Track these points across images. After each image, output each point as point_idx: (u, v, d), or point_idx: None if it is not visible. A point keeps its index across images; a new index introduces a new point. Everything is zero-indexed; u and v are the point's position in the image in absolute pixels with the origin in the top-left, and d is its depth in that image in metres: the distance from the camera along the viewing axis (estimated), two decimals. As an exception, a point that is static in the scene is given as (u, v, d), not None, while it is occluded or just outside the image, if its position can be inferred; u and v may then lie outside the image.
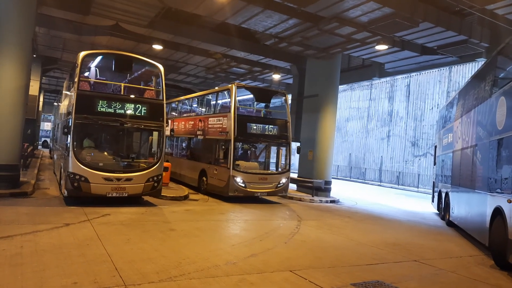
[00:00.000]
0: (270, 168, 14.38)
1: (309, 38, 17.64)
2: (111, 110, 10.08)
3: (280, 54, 20.62)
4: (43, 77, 29.82)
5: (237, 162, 12.53)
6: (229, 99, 13.30)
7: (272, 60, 21.21)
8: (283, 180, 13.12)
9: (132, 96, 10.88)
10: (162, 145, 10.65)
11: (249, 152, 14.20)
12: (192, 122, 16.06)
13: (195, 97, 18.04)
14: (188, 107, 18.47)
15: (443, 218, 12.50)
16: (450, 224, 11.35)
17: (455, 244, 8.89)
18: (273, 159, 14.34)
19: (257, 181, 12.59)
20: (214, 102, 15.08)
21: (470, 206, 9.14)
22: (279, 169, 13.84)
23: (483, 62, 13.20)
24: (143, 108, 10.47)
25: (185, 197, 12.47)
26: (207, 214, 10.33)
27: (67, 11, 15.57)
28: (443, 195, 12.58)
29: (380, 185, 28.57)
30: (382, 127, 31.49)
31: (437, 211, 14.10)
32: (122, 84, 11.35)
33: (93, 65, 11.92)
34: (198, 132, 15.02)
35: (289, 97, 14.39)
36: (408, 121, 28.98)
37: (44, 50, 22.96)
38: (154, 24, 17.53)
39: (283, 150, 13.74)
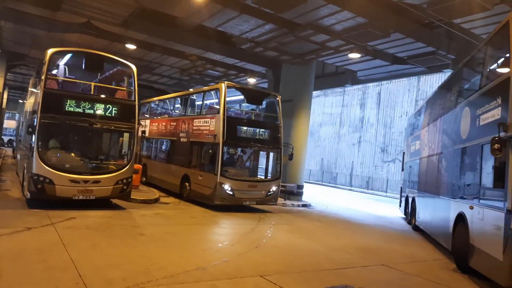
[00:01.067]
0: (260, 174, 13.64)
1: (284, 44, 17.81)
2: (80, 110, 9.75)
3: (256, 58, 20.69)
4: (8, 73, 28.49)
5: (225, 168, 11.58)
6: (217, 100, 12.34)
7: (247, 64, 21.25)
8: (274, 188, 12.28)
9: (103, 96, 10.57)
10: (133, 147, 10.41)
11: (238, 157, 13.38)
12: (175, 123, 14.98)
13: (178, 96, 16.58)
14: (170, 107, 16.99)
15: (409, 222, 12.88)
16: (416, 228, 11.71)
17: (421, 248, 9.17)
18: (263, 165, 13.48)
19: (246, 188, 11.70)
20: (200, 102, 13.95)
21: (435, 212, 9.47)
22: (270, 176, 12.98)
23: (449, 73, 13.76)
24: (113, 108, 10.20)
25: (156, 200, 12.23)
26: (178, 217, 10.16)
27: (36, 6, 14.98)
28: (410, 200, 12.97)
29: (350, 190, 29.15)
30: (354, 133, 32.20)
31: (404, 216, 14.53)
32: (92, 84, 11.01)
33: (62, 62, 11.51)
34: (181, 134, 13.96)
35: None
36: (378, 127, 29.79)
37: (10, 45, 21.98)
38: (128, 23, 17.18)
39: (274, 156, 12.93)
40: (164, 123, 16.09)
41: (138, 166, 13.56)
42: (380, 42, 17.01)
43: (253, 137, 12.10)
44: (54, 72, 11.15)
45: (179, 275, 5.22)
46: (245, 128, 11.99)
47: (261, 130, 12.38)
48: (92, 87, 10.85)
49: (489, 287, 5.98)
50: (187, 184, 12.87)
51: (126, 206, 10.59)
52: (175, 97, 16.61)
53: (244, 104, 14.90)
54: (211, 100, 13.73)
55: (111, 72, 12.10)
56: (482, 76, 7.20)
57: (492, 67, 6.98)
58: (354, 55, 18.29)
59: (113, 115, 10.18)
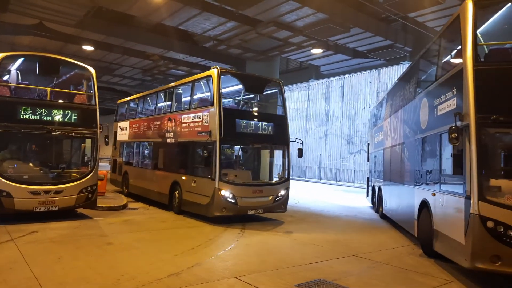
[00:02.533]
0: (265, 176, 11.66)
1: (247, 41, 17.79)
2: (36, 117, 9.27)
3: (220, 56, 20.56)
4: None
5: (224, 171, 9.81)
6: (209, 89, 10.55)
7: (212, 62, 21.11)
8: (282, 192, 10.45)
9: (60, 101, 10.11)
10: (96, 153, 10.03)
11: (238, 157, 11.64)
12: (159, 122, 12.82)
13: (161, 91, 13.98)
14: (153, 105, 14.46)
15: (377, 211, 13.30)
16: (384, 217, 12.11)
17: (389, 236, 9.49)
18: (267, 166, 11.69)
19: (251, 194, 9.89)
20: (188, 95, 11.83)
21: (400, 200, 9.83)
22: (277, 178, 11.02)
23: (407, 65, 14.29)
24: (73, 114, 9.77)
25: (124, 207, 11.87)
26: (147, 223, 9.91)
27: (-20, 7, 14.11)
28: (376, 189, 13.39)
29: (320, 182, 29.71)
30: (320, 126, 32.80)
31: (371, 205, 14.99)
32: (48, 89, 10.49)
33: (13, 68, 10.85)
34: (168, 135, 12.00)
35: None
36: (343, 120, 30.51)
37: (-46, 50, 20.56)
38: (83, 23, 16.54)
39: (281, 154, 11.01)
40: (146, 124, 13.98)
41: (103, 173, 13.09)
42: (340, 37, 17.39)
43: (255, 132, 10.26)
44: (6, 78, 10.53)
45: (151, 284, 5.08)
46: (245, 122, 10.10)
47: (264, 123, 10.47)
48: (48, 93, 10.34)
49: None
50: (177, 193, 11.08)
51: (92, 215, 10.20)
52: (157, 92, 14.14)
53: (242, 94, 12.28)
54: (202, 91, 11.73)
55: (68, 76, 11.57)
56: (437, 67, 7.50)
57: (446, 59, 7.28)
58: (317, 51, 18.57)
59: (72, 120, 9.77)
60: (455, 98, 6.01)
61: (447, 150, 6.38)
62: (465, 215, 5.46)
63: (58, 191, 9.10)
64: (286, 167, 10.84)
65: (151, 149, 13.66)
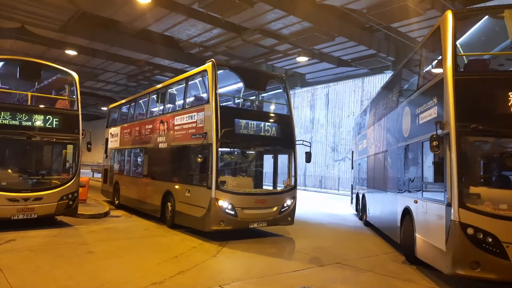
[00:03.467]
0: (268, 184, 10.57)
1: (233, 48, 17.87)
2: (16, 123, 9.07)
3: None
4: None
5: (221, 178, 8.81)
6: (204, 86, 9.63)
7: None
8: (288, 202, 9.34)
9: (42, 106, 9.90)
10: (78, 159, 9.84)
11: (238, 162, 10.49)
12: (150, 126, 11.80)
13: (152, 92, 12.68)
14: (144, 108, 13.46)
15: (361, 218, 13.41)
16: (367, 224, 12.21)
17: (373, 243, 9.56)
18: (271, 172, 10.53)
19: (253, 205, 8.73)
20: (182, 93, 10.65)
21: (383, 207, 9.94)
22: (282, 186, 9.80)
23: (390, 75, 14.58)
24: (54, 119, 9.59)
25: (106, 214, 11.64)
26: (130, 231, 9.74)
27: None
28: (360, 197, 13.52)
29: (305, 190, 29.82)
30: (305, 133, 33.00)
31: (355, 212, 15.11)
32: (29, 94, 10.28)
33: (-7, 72, 10.61)
34: (160, 139, 10.96)
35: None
36: (328, 128, 30.80)
37: None
38: (67, 28, 16.34)
39: (286, 158, 9.91)
40: (137, 129, 12.92)
41: (85, 179, 12.84)
42: (325, 46, 17.62)
43: (257, 133, 9.15)
44: (-16, 82, 10.28)
45: (133, 293, 4.98)
46: (245, 121, 8.97)
47: (267, 124, 9.37)
48: (29, 97, 10.14)
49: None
50: (169, 204, 10.01)
51: (73, 223, 9.97)
52: (148, 94, 13.00)
53: (242, 91, 11.20)
54: (197, 91, 10.73)
55: (50, 80, 11.38)
56: (419, 77, 7.67)
57: (427, 69, 7.46)
58: (302, 59, 18.76)
59: (54, 126, 9.58)
60: (436, 107, 6.14)
61: (429, 158, 6.50)
62: (446, 222, 5.55)
63: (38, 198, 8.88)
64: (293, 173, 9.70)
65: (143, 156, 12.52)
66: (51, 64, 10.71)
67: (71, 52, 19.07)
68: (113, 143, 15.23)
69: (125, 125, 14.34)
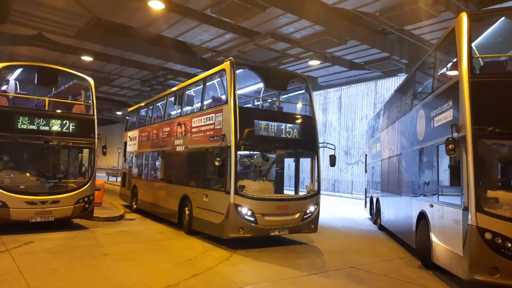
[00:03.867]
0: (290, 189, 10.30)
1: (245, 53, 17.96)
2: (34, 127, 9.30)
3: (218, 68, 20.72)
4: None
5: (241, 183, 8.45)
6: (223, 86, 9.33)
7: (209, 73, 21.26)
8: (311, 208, 8.86)
9: (58, 111, 10.12)
10: (94, 163, 10.01)
11: (258, 166, 10.20)
12: (168, 129, 11.55)
13: (170, 94, 12.53)
14: (161, 110, 13.21)
15: (375, 222, 13.27)
16: (382, 228, 12.07)
17: (387, 247, 9.45)
18: (293, 176, 10.22)
19: (274, 211, 8.29)
20: (199, 95, 10.28)
21: (398, 211, 9.81)
22: (305, 191, 9.33)
23: (404, 77, 14.43)
24: (71, 124, 9.80)
25: (121, 217, 11.79)
26: (144, 234, 9.84)
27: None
28: (374, 200, 13.38)
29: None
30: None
31: (369, 216, 14.95)
32: (47, 99, 10.53)
33: (12, 78, 10.89)
34: (177, 142, 10.68)
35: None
36: (341, 131, 30.60)
37: (-47, 60, 20.66)
38: (82, 34, 16.68)
39: (309, 162, 9.54)
40: (155, 131, 12.69)
41: (100, 183, 13.04)
42: (337, 49, 17.57)
43: (278, 136, 8.72)
44: (4, 88, 10.56)
45: (148, 296, 5.03)
46: (265, 123, 8.55)
47: (288, 125, 8.90)
48: (47, 102, 10.39)
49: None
50: (187, 209, 9.71)
51: (89, 226, 10.13)
52: (166, 96, 12.75)
53: (262, 91, 10.81)
54: (215, 92, 10.46)
55: (66, 86, 11.63)
56: (434, 79, 7.59)
57: (442, 71, 7.37)
58: (314, 62, 18.72)
59: (70, 130, 9.79)
60: (451, 110, 6.06)
61: (444, 162, 6.41)
62: (463, 227, 5.46)
63: (55, 201, 9.05)
64: (316, 178, 9.27)
65: (160, 160, 12.26)
66: (67, 70, 10.95)
67: (87, 58, 19.45)
68: (131, 147, 15.15)
69: (143, 128, 14.19)
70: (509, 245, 5.08)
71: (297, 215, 8.58)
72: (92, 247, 7.84)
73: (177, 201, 10.13)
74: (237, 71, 8.56)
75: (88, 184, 9.69)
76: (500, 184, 6.08)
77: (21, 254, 6.97)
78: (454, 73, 6.14)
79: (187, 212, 9.71)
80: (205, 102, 9.89)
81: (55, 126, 9.59)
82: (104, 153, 10.55)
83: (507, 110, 5.47)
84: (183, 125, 10.51)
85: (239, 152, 8.24)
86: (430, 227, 6.89)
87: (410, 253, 8.55)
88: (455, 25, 6.15)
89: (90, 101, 10.50)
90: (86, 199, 9.56)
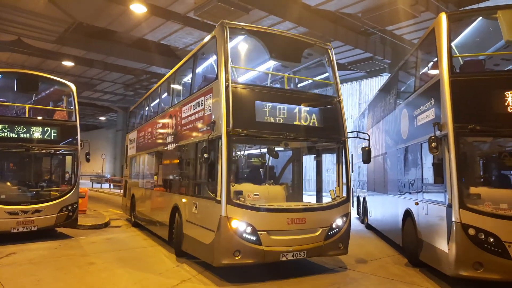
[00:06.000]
0: (309, 194, 8.31)
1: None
2: (14, 135, 9.08)
3: (202, 70, 20.63)
4: None
5: (237, 187, 6.48)
6: (214, 59, 6.94)
7: (194, 76, 21.14)
8: (339, 221, 6.62)
9: (40, 118, 9.91)
10: (77, 170, 9.82)
11: (262, 164, 8.17)
12: (160, 125, 9.77)
13: (163, 82, 10.60)
14: (156, 104, 11.19)
15: (362, 221, 13.38)
16: (369, 227, 12.18)
17: (374, 246, 9.53)
18: (312, 177, 8.32)
19: (285, 226, 6.04)
20: (190, 75, 8.25)
21: (384, 210, 9.92)
22: (330, 198, 6.91)
23: (387, 77, 14.64)
24: (52, 131, 9.59)
25: (106, 225, 11.59)
26: (131, 241, 9.68)
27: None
28: (361, 200, 13.50)
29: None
30: (304, 138, 33.05)
31: (357, 216, 15.07)
32: (27, 106, 10.30)
33: (-10, 85, 10.63)
34: (168, 139, 8.78)
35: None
36: (327, 131, 30.86)
37: None
38: (63, 39, 16.40)
39: (334, 158, 7.30)
40: (149, 129, 10.88)
41: (84, 190, 12.79)
42: (321, 50, 17.58)
43: (290, 122, 6.46)
44: (-18, 95, 10.30)
45: (135, 304, 4.94)
46: (271, 105, 6.31)
47: (304, 108, 6.62)
48: (27, 109, 10.16)
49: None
50: (175, 224, 7.76)
51: (73, 234, 9.92)
52: (160, 85, 10.78)
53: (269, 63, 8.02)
54: (206, 65, 8.13)
55: (47, 92, 11.40)
56: (416, 79, 7.71)
57: (423, 70, 7.50)
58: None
59: (52, 138, 9.58)
60: (433, 109, 6.16)
61: (428, 160, 6.51)
62: (447, 223, 5.54)
63: (37, 211, 8.84)
64: (344, 180, 7.00)
65: (154, 162, 10.29)
66: (48, 76, 10.77)
67: (68, 63, 19.12)
68: (130, 150, 13.71)
69: (140, 127, 12.41)
70: (492, 240, 5.18)
71: (318, 232, 6.34)
72: (77, 257, 7.67)
73: (168, 213, 8.11)
74: (233, 40, 6.86)
75: (72, 192, 9.50)
76: (482, 180, 6.23)
77: (3, 266, 6.77)
78: (435, 72, 6.25)
79: (175, 228, 7.72)
80: (196, 84, 7.71)
81: (36, 133, 9.38)
82: (88, 160, 10.36)
83: (487, 108, 5.59)
84: (173, 118, 8.56)
85: (234, 145, 6.54)
86: (416, 225, 6.97)
87: (397, 251, 8.64)
88: (435, 25, 6.27)
89: (72, 107, 10.31)
90: (70, 207, 9.37)
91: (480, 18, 6.64)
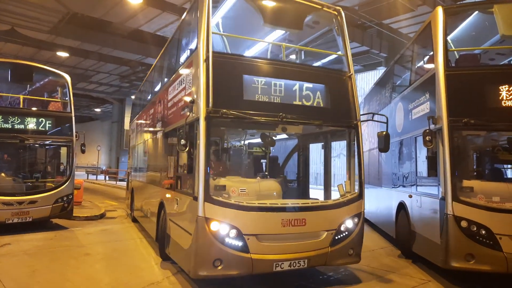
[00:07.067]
0: (317, 188, 6.92)
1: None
2: (8, 126, 9.02)
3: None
4: None
5: (219, 182, 5.49)
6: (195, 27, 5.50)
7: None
8: (349, 223, 5.53)
9: (34, 109, 9.85)
10: (72, 162, 9.79)
11: (251, 154, 7.34)
12: (152, 111, 8.87)
13: (157, 61, 9.65)
14: (151, 89, 10.20)
15: (357, 214, 13.46)
16: (364, 219, 12.27)
17: (368, 238, 9.50)
18: (315, 169, 6.92)
19: (279, 229, 5.01)
20: (175, 49, 7.25)
21: (378, 202, 10.01)
22: (338, 195, 5.98)
23: (383, 71, 14.66)
24: (47, 122, 9.54)
25: (102, 216, 11.59)
26: (126, 232, 9.70)
27: None
28: (356, 193, 13.57)
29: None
30: (300, 131, 33.06)
31: (351, 208, 15.17)
32: (21, 96, 10.22)
33: (-17, 75, 10.52)
34: (157, 126, 7.91)
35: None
36: (323, 125, 30.89)
37: None
38: (57, 29, 16.20)
39: (343, 146, 6.52)
40: (144, 118, 10.17)
41: (79, 181, 12.76)
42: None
43: (289, 101, 5.40)
44: (-25, 86, 10.21)
45: (131, 294, 4.98)
46: (264, 80, 5.26)
47: (307, 85, 5.53)
48: (21, 100, 10.08)
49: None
50: (160, 224, 6.88)
51: (69, 225, 9.92)
52: (155, 66, 9.88)
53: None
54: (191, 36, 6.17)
55: (42, 83, 11.32)
56: (411, 72, 7.74)
57: (419, 64, 7.52)
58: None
59: (47, 129, 9.54)
60: (428, 102, 6.20)
61: (422, 153, 6.56)
62: (440, 216, 5.61)
63: (32, 202, 8.82)
64: (356, 171, 6.01)
65: (146, 153, 9.62)
66: (42, 66, 10.66)
67: (62, 54, 18.94)
68: (131, 140, 13.04)
69: (139, 115, 11.58)
70: (483, 232, 5.26)
71: (322, 236, 5.27)
72: (73, 247, 7.68)
73: (156, 211, 7.20)
74: (224, 6, 6.00)
75: (67, 183, 9.48)
76: (475, 173, 6.30)
77: (-2, 256, 6.78)
78: (430, 66, 6.27)
79: (160, 227, 6.86)
80: (181, 59, 6.57)
81: (31, 124, 9.33)
82: (83, 151, 10.33)
83: (482, 102, 5.63)
84: (161, 103, 7.65)
85: (217, 130, 5.73)
86: (409, 217, 7.05)
87: (390, 243, 8.74)
88: (431, 19, 6.28)
89: (67, 98, 10.24)
90: (65, 198, 9.36)
91: (476, 12, 6.67)
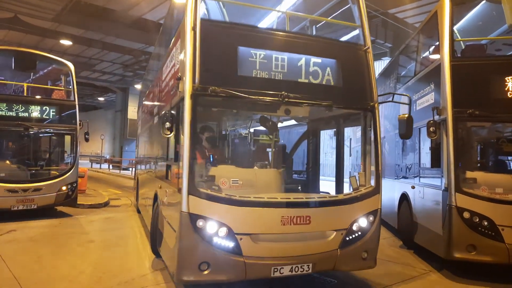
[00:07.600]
0: (319, 183, 6.64)
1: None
2: (12, 114, 9.06)
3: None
4: None
5: (204, 169, 4.82)
6: None
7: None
8: (363, 221, 4.75)
9: (38, 97, 9.88)
10: (76, 150, 9.84)
11: (246, 138, 6.60)
12: (151, 95, 8.47)
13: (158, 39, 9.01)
14: (151, 73, 9.63)
15: (359, 205, 13.48)
16: (366, 210, 12.29)
17: (370, 228, 9.65)
18: (325, 158, 6.80)
19: (278, 228, 4.22)
20: (169, 22, 6.83)
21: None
22: (351, 188, 5.40)
23: (388, 61, 14.52)
24: (51, 110, 9.58)
25: (106, 204, 11.70)
26: (130, 220, 9.79)
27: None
28: (359, 184, 13.57)
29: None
30: (303, 122, 32.97)
31: (354, 199, 15.19)
32: (25, 84, 10.24)
33: (-13, 63, 10.53)
34: (155, 111, 7.40)
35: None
36: (326, 115, 30.78)
37: None
38: (60, 17, 16.13)
39: (357, 131, 5.67)
40: (146, 104, 9.80)
41: (83, 170, 12.85)
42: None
43: (292, 79, 4.56)
44: (-21, 73, 10.24)
45: (135, 280, 5.04)
46: (263, 53, 4.44)
47: (314, 60, 4.67)
48: (25, 88, 10.10)
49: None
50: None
51: (73, 213, 10.03)
52: (155, 46, 9.17)
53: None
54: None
55: (45, 71, 11.33)
56: (416, 63, 7.67)
57: (424, 55, 7.45)
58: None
59: (51, 117, 9.59)
60: (433, 93, 6.16)
61: (426, 144, 6.54)
62: (443, 207, 5.62)
63: (37, 189, 8.90)
64: (373, 161, 5.15)
65: (146, 140, 9.26)
66: (46, 55, 10.65)
67: (66, 42, 18.89)
68: (138, 130, 12.40)
69: (142, 104, 11.22)
70: (486, 223, 5.27)
71: (331, 236, 4.51)
72: (77, 235, 7.77)
73: (151, 203, 6.52)
74: None
75: (71, 171, 9.55)
76: (478, 165, 6.29)
77: (4, 243, 6.87)
78: (436, 56, 6.21)
79: (151, 221, 6.24)
80: (173, 35, 5.61)
81: (35, 112, 9.37)
82: (87, 140, 10.38)
83: (487, 93, 5.59)
84: (157, 86, 7.00)
85: (205, 110, 5.08)
86: (411, 208, 7.07)
87: (392, 234, 8.77)
88: (437, 9, 6.19)
89: (70, 87, 10.25)
90: (69, 186, 9.44)
91: (484, 1, 6.57)
